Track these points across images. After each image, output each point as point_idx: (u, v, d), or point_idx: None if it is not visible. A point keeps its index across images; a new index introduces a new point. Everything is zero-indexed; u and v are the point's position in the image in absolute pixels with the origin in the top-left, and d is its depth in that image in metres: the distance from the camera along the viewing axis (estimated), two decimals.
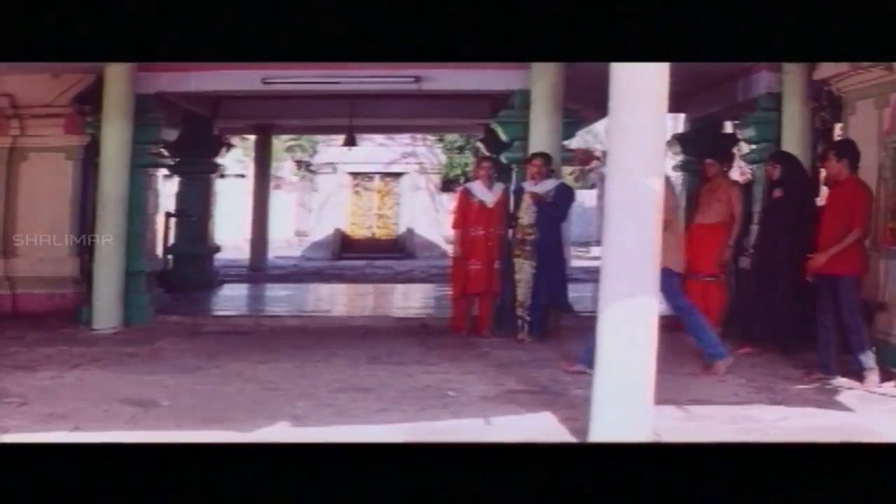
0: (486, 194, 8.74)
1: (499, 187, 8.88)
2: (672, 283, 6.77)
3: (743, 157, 10.30)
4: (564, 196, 8.51)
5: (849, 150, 6.75)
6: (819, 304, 6.70)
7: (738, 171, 11.11)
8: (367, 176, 22.54)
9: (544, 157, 8.50)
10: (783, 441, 5.18)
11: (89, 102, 9.42)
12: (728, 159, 9.33)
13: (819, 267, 6.65)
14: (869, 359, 6.54)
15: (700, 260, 8.60)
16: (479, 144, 13.88)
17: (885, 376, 6.72)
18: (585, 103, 9.90)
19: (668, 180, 6.63)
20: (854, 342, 6.57)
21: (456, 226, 8.91)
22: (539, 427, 5.53)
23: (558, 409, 5.82)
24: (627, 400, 4.97)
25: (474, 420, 5.68)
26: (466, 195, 8.90)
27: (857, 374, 6.63)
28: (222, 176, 14.28)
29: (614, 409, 4.99)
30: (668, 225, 6.56)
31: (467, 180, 16.72)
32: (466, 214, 8.77)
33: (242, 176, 20.27)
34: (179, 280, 11.71)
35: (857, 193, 6.62)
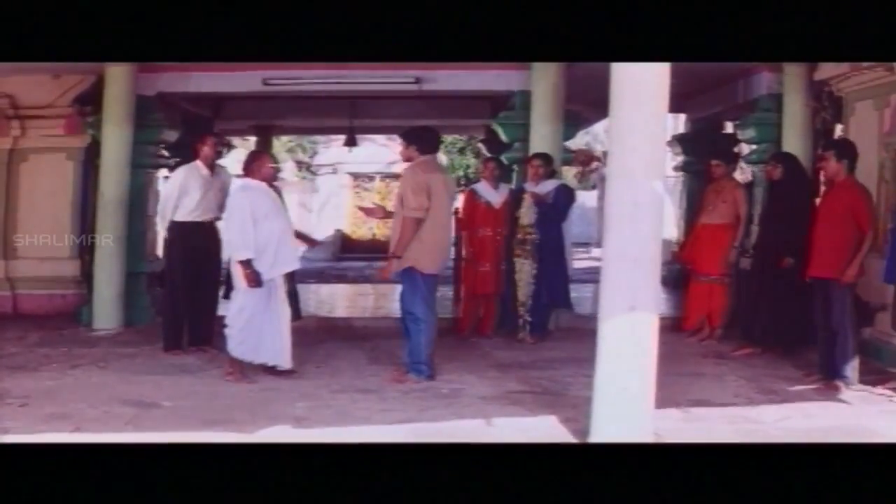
0: (492, 195, 8.71)
1: (504, 188, 8.86)
2: (419, 284, 6.68)
3: (743, 158, 10.30)
4: (565, 196, 8.50)
5: (848, 151, 6.71)
6: (815, 307, 6.69)
7: (739, 172, 11.10)
8: (368, 177, 22.53)
9: (544, 157, 8.49)
10: (783, 441, 5.18)
11: (90, 103, 9.40)
12: (733, 160, 9.33)
13: (813, 270, 6.65)
14: (847, 370, 6.47)
15: (705, 261, 8.62)
16: (481, 145, 13.88)
17: (885, 377, 6.73)
18: (586, 104, 9.90)
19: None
20: (839, 347, 6.50)
21: (463, 227, 8.83)
22: (540, 428, 5.53)
23: (559, 410, 5.82)
24: (628, 401, 4.98)
25: (475, 421, 5.68)
26: (473, 196, 8.85)
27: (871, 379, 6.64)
28: None
29: (615, 409, 5.00)
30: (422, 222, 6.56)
31: (468, 181, 16.73)
32: (474, 216, 8.72)
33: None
34: None
35: (859, 196, 6.55)
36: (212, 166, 7.70)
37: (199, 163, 7.66)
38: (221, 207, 7.76)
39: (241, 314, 6.68)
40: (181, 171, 7.69)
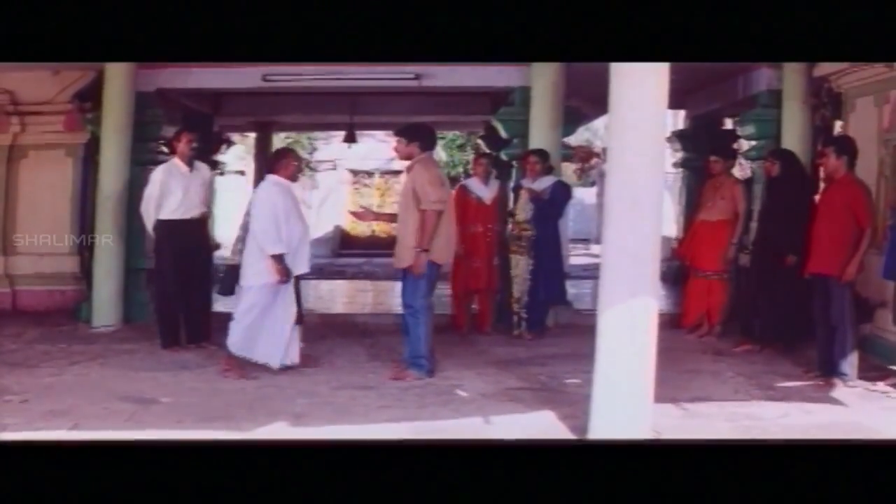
0: (482, 190, 8.73)
1: (495, 184, 8.87)
2: (425, 275, 6.67)
3: (743, 154, 10.30)
4: (561, 193, 8.51)
5: (848, 147, 6.72)
6: (814, 303, 6.70)
7: (738, 168, 11.10)
8: (368, 173, 22.54)
9: (540, 153, 8.51)
10: (783, 438, 5.19)
11: (89, 99, 9.40)
12: (732, 156, 9.33)
13: (812, 266, 6.65)
14: (845, 366, 6.47)
15: (704, 257, 8.62)
16: (480, 141, 13.88)
17: (885, 374, 6.73)
18: (586, 100, 9.89)
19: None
20: (838, 343, 6.51)
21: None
22: (539, 424, 5.53)
23: (558, 407, 5.82)
24: (627, 397, 4.98)
25: (474, 418, 5.68)
26: (464, 192, 8.87)
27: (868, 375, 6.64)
28: (222, 173, 14.27)
29: (614, 406, 5.00)
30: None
31: (469, 177, 16.71)
32: (465, 211, 8.71)
33: (242, 173, 20.20)
34: None
35: (859, 193, 6.56)
36: (190, 163, 7.71)
37: (177, 160, 7.68)
38: (205, 203, 7.80)
39: (251, 312, 6.73)
40: (160, 171, 7.68)
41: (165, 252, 7.65)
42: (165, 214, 7.56)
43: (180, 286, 7.62)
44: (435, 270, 6.74)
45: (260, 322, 6.74)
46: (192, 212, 7.64)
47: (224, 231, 8.03)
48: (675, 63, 4.84)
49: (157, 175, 7.63)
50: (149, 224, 7.69)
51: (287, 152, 7.36)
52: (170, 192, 7.54)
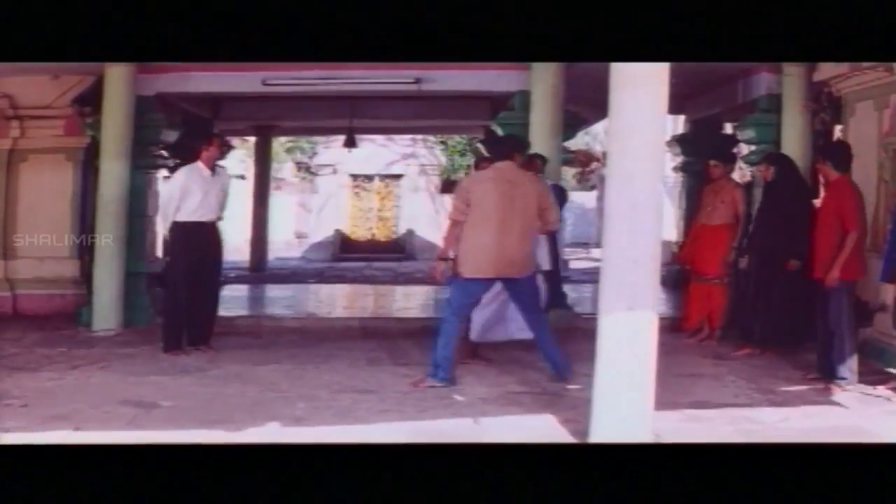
0: None
1: None
2: (456, 287, 6.71)
3: (743, 159, 10.30)
4: (558, 197, 8.50)
5: (832, 152, 6.76)
6: (816, 307, 6.70)
7: (738, 172, 11.11)
8: (368, 177, 22.57)
9: (538, 157, 8.50)
10: (783, 442, 5.18)
11: (89, 104, 9.42)
12: (732, 161, 9.33)
13: (810, 270, 6.66)
14: (844, 370, 6.47)
15: (705, 261, 8.62)
16: (480, 146, 13.90)
17: (885, 378, 6.73)
18: (585, 104, 9.90)
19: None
20: (836, 348, 6.52)
21: None
22: (540, 428, 5.53)
23: (559, 411, 5.82)
24: (628, 401, 4.97)
25: (473, 421, 5.68)
26: None
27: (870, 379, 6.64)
28: None
29: (615, 410, 5.00)
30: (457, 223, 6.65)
31: None
32: None
33: (242, 177, 20.23)
34: None
35: (846, 196, 6.56)
36: (212, 167, 7.73)
37: (200, 164, 7.68)
38: (222, 207, 7.80)
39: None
40: (183, 173, 7.71)
41: (179, 254, 7.67)
42: (183, 216, 7.58)
43: (191, 289, 7.63)
44: (470, 283, 6.65)
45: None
46: (208, 215, 7.66)
47: (225, 234, 8.02)
48: (676, 64, 4.84)
49: (179, 176, 7.67)
50: (165, 225, 7.73)
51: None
52: (189, 195, 7.55)
